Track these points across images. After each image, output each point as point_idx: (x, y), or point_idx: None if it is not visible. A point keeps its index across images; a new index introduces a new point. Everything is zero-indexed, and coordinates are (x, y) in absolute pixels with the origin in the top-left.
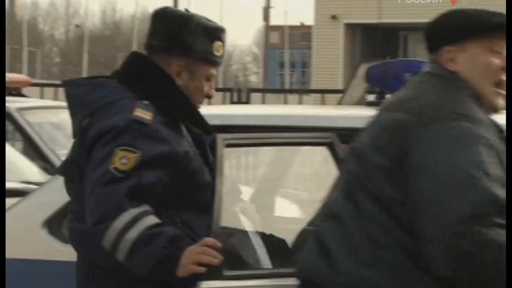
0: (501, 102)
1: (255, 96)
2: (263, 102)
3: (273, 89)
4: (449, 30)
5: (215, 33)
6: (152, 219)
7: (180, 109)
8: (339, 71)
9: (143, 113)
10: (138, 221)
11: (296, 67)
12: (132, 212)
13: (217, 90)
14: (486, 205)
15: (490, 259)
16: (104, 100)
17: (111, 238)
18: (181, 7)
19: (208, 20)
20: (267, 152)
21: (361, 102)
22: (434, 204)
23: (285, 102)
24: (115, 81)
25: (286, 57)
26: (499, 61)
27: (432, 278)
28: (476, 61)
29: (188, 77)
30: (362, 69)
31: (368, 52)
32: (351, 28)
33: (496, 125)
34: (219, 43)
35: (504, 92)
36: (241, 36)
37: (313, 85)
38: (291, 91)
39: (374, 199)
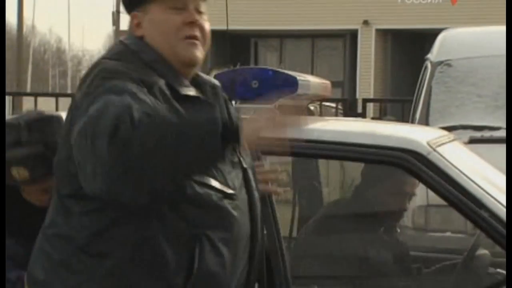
0: (194, 51)
1: None
2: None
3: None
4: None
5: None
6: None
7: None
8: None
9: None
10: None
11: None
12: None
13: (66, 95)
14: (119, 115)
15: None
16: None
17: None
18: (26, 9)
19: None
20: None
21: None
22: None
23: None
24: None
25: None
26: (181, 17)
27: (80, 259)
28: (157, 22)
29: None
30: (213, 75)
31: (220, 58)
32: None
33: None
34: (16, 169)
35: (196, 42)
36: (91, 40)
37: None
38: None
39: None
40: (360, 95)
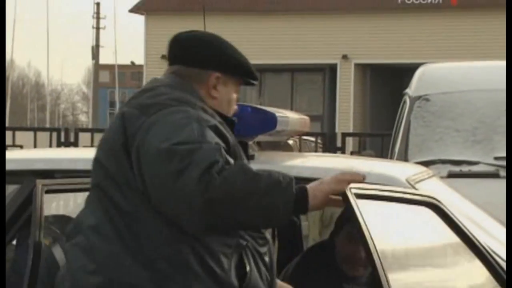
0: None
1: (84, 136)
2: (92, 142)
3: (102, 129)
4: (231, 61)
5: None
6: None
7: None
8: None
9: None
10: None
11: None
12: None
13: (44, 129)
14: (210, 161)
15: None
16: None
17: None
18: (8, 38)
19: None
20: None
21: None
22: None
23: None
24: None
25: (117, 96)
26: (236, 96)
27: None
28: (230, 97)
29: None
30: None
31: None
32: None
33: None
34: None
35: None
36: (70, 74)
37: None
38: None
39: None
40: (339, 129)
